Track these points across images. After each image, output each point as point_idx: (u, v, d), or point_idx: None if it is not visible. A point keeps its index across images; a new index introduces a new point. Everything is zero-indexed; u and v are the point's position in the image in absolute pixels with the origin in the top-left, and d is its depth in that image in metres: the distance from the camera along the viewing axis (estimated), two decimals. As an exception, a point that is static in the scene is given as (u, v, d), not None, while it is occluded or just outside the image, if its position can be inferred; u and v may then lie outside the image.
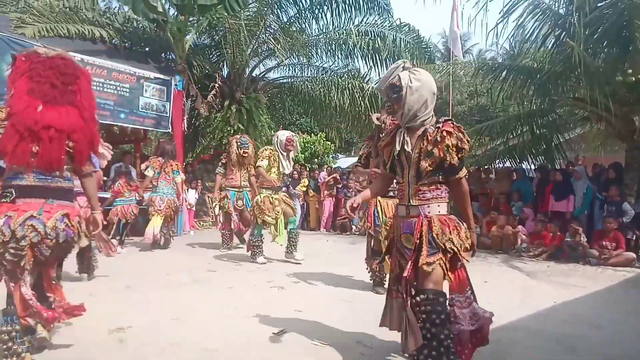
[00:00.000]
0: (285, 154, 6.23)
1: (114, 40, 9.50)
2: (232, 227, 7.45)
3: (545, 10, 8.56)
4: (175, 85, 9.67)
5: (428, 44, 14.10)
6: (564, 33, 8.53)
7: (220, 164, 7.43)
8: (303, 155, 16.16)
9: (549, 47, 9.36)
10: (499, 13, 8.48)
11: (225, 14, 10.36)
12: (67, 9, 9.53)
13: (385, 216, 4.21)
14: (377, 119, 4.32)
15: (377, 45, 12.03)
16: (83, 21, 9.42)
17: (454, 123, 2.52)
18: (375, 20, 12.42)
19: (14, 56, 2.71)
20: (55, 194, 2.64)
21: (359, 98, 11.94)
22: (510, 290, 5.06)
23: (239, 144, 7.08)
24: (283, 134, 6.31)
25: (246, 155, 7.07)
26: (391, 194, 4.06)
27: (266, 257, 6.34)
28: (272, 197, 6.07)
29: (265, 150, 6.30)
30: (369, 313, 3.86)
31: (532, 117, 9.87)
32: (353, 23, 12.39)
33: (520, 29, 8.89)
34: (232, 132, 11.34)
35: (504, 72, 9.52)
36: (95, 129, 2.83)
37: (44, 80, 2.58)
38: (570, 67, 7.93)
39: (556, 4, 8.62)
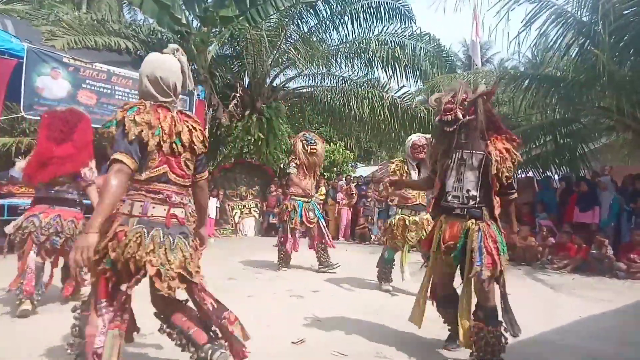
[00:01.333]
0: (414, 163, 4.90)
1: (139, 52, 9.74)
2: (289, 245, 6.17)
3: (569, 19, 8.45)
4: (198, 95, 9.84)
5: (449, 52, 14.04)
6: (588, 41, 8.39)
7: (293, 164, 6.16)
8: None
9: (573, 56, 9.22)
10: (521, 22, 8.41)
11: (247, 25, 10.53)
12: (95, 22, 9.82)
13: (443, 243, 2.93)
14: (435, 100, 3.03)
15: (396, 55, 12.04)
16: (110, 33, 9.70)
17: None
18: (396, 30, 12.44)
19: (41, 115, 4.38)
20: (57, 202, 3.99)
21: (378, 107, 11.93)
22: (533, 303, 4.95)
23: (304, 141, 6.10)
24: (409, 139, 4.99)
25: (315, 151, 6.08)
26: (458, 211, 2.90)
27: (289, 266, 6.33)
28: (409, 220, 4.86)
29: (391, 164, 5.14)
30: (390, 323, 3.84)
31: (556, 126, 9.71)
32: (373, 32, 12.45)
33: (542, 37, 8.81)
34: (252, 140, 11.50)
35: (527, 81, 9.41)
36: (85, 157, 4.01)
37: (56, 128, 3.95)
38: (595, 76, 7.79)
39: (580, 12, 8.51)
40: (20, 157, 5.61)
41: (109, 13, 11.30)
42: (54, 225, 3.90)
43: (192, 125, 2.34)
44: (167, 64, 2.31)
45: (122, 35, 9.84)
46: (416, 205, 4.94)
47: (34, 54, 7.39)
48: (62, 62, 7.83)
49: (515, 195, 3.09)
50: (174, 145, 2.21)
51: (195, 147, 2.32)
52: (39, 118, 8.57)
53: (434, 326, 3.49)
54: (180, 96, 9.04)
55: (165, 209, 2.19)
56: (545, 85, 9.10)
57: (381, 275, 5.18)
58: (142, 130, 2.12)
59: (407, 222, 4.85)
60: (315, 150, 6.09)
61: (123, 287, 2.15)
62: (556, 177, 9.90)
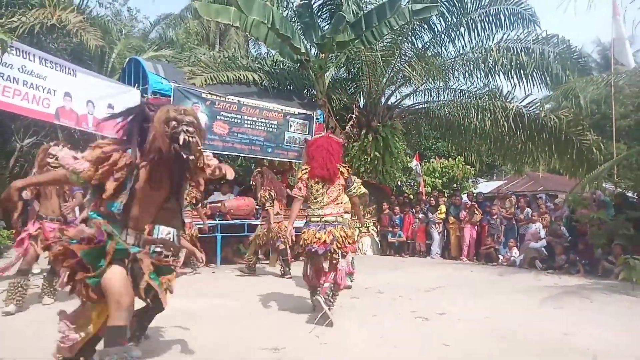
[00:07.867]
0: None
1: (263, 82, 10.55)
2: None
3: None
4: (317, 119, 10.31)
5: (581, 53, 12.76)
6: None
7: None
8: (441, 181, 15.69)
9: None
10: (674, 11, 7.33)
11: (362, 47, 10.80)
12: (227, 59, 10.88)
13: None
14: None
15: (520, 61, 11.32)
16: (239, 68, 10.65)
17: None
18: (518, 35, 11.75)
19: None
20: None
21: (501, 118, 11.26)
22: None
23: None
24: None
25: None
26: None
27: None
28: None
29: None
30: (520, 347, 3.56)
31: None
32: (492, 41, 11.91)
33: None
34: (368, 160, 11.64)
35: (685, 78, 8.13)
36: None
37: None
38: None
39: None
40: None
41: (237, 50, 12.48)
42: None
43: None
44: None
45: (249, 69, 10.74)
46: None
47: (179, 92, 8.46)
48: (201, 97, 8.83)
49: None
50: None
51: None
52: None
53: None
54: (301, 121, 9.55)
55: None
56: None
57: None
58: None
59: None
60: None
61: None
62: None
